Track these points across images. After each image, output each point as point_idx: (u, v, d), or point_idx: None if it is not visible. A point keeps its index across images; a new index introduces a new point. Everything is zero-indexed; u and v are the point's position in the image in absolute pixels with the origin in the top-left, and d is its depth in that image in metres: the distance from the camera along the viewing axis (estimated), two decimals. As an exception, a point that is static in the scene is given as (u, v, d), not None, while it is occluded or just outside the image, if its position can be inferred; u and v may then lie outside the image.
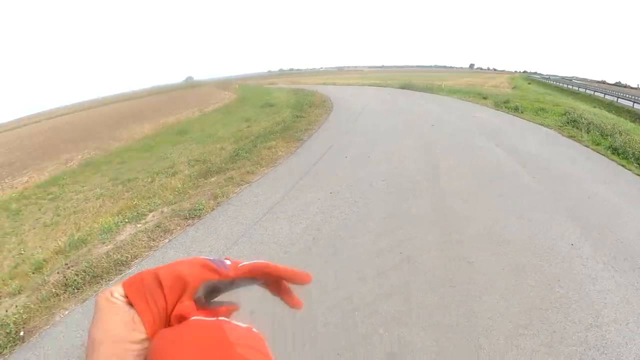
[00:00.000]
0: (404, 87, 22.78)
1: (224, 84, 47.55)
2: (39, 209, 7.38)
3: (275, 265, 0.40)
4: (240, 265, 0.39)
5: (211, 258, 0.37)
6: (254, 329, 0.32)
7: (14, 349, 3.09)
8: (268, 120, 11.93)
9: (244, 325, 0.32)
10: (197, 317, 0.32)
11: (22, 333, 3.29)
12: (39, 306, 3.60)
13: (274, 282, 0.42)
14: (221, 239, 4.27)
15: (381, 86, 25.56)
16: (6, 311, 3.67)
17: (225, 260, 0.38)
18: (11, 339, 3.24)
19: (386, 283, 3.15)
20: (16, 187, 10.39)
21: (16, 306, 3.75)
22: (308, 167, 6.35)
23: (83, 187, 8.07)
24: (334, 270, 3.39)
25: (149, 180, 7.30)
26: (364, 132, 9.18)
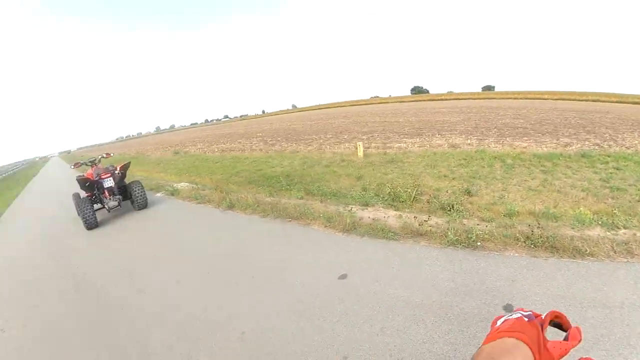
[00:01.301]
0: None
1: None
2: (529, 174, 8.19)
3: None
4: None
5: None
6: None
7: (465, 249, 4.36)
8: None
9: None
10: None
11: (478, 243, 4.43)
12: (501, 236, 4.46)
13: None
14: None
15: None
16: (478, 225, 4.96)
17: None
18: (470, 243, 4.45)
19: None
20: (515, 148, 11.63)
21: (487, 226, 4.89)
22: None
23: (573, 174, 8.10)
24: None
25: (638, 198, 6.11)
26: None
